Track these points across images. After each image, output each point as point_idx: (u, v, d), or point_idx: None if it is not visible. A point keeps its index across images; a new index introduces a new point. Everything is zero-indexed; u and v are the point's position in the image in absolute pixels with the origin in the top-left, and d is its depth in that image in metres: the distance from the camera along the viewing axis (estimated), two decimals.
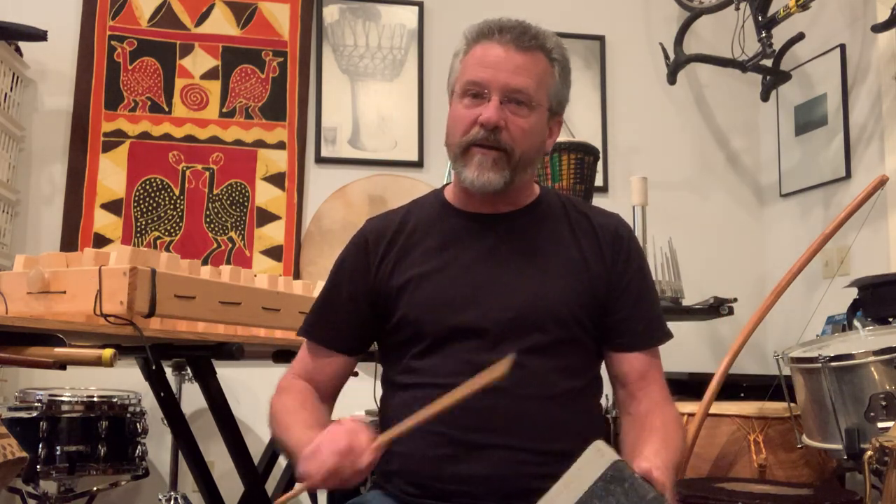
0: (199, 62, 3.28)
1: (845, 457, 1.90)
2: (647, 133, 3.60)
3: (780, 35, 3.03)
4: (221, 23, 3.32)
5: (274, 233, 3.25)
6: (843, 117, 3.13)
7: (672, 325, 1.45)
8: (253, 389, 3.05)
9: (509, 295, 1.31)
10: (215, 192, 3.23)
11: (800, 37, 3.06)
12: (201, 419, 2.80)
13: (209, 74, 3.28)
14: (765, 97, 3.29)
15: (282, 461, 2.69)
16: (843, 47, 3.16)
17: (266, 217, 3.26)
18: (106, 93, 3.19)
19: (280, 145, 3.30)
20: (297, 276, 3.19)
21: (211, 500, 2.18)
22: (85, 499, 2.57)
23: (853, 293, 2.53)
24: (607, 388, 1.42)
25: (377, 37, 3.45)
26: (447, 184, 1.48)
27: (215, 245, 3.20)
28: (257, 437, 2.99)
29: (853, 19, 3.14)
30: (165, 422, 2.17)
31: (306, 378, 1.41)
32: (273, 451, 2.62)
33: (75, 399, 2.40)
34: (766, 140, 3.67)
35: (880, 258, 2.89)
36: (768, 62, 3.13)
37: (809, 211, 3.34)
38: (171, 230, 3.18)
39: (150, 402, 2.24)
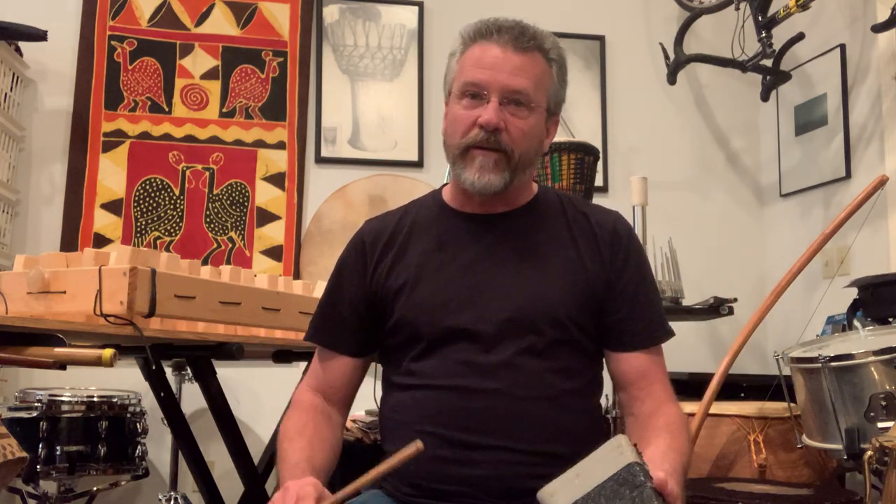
0: (199, 62, 3.28)
1: (845, 457, 1.89)
2: (647, 133, 3.60)
3: (780, 35, 3.03)
4: (221, 23, 3.32)
5: (274, 233, 3.25)
6: (843, 117, 3.13)
7: (672, 326, 1.44)
8: (253, 389, 3.05)
9: (505, 296, 1.31)
10: (215, 192, 3.23)
11: (800, 37, 3.06)
12: (201, 419, 2.80)
13: (209, 74, 3.28)
14: (765, 97, 3.29)
15: None
16: (843, 47, 3.16)
17: (266, 217, 3.26)
18: (106, 93, 3.19)
19: (280, 145, 3.30)
20: (297, 276, 3.19)
21: (211, 500, 2.18)
22: (85, 499, 2.57)
23: (853, 293, 2.53)
24: (607, 389, 1.42)
25: (377, 37, 3.45)
26: (445, 184, 1.47)
27: (215, 245, 3.20)
28: (257, 437, 3.00)
29: (853, 19, 3.14)
30: (165, 422, 2.17)
31: (318, 386, 1.41)
32: (273, 451, 2.62)
33: (75, 399, 2.40)
34: (766, 140, 3.67)
35: (880, 258, 2.89)
36: (768, 62, 3.13)
37: (809, 211, 3.34)
38: (171, 230, 3.18)
39: (150, 402, 2.24)
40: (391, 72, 3.45)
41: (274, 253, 3.24)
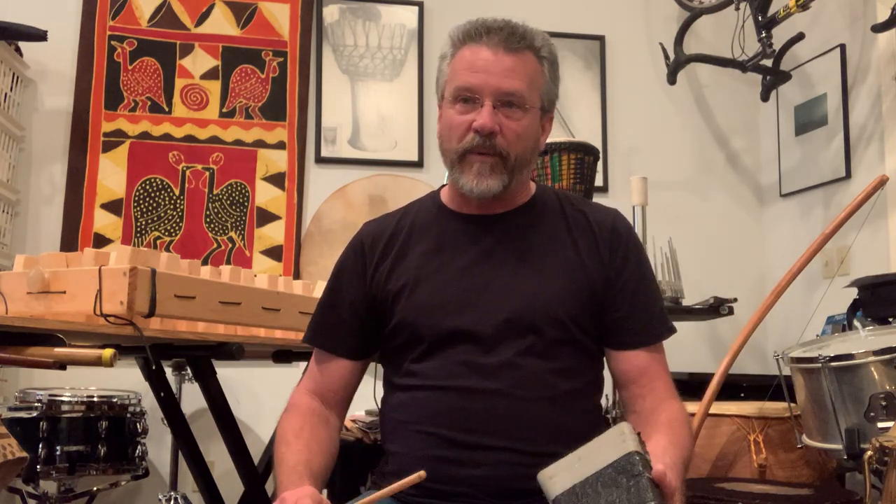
0: (199, 62, 3.28)
1: (845, 457, 1.89)
2: (647, 133, 3.60)
3: (780, 35, 3.03)
4: (221, 23, 3.32)
5: (274, 233, 3.25)
6: (843, 117, 3.13)
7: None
8: (253, 389, 3.05)
9: (505, 297, 1.31)
10: (215, 192, 3.23)
11: (800, 37, 3.06)
12: (201, 419, 2.80)
13: (209, 74, 3.28)
14: (765, 97, 3.29)
15: None
16: (843, 47, 3.16)
17: (266, 217, 3.26)
18: (106, 93, 3.19)
19: (280, 145, 3.30)
20: (297, 276, 3.19)
21: (211, 500, 2.18)
22: (85, 499, 2.57)
23: (853, 293, 2.53)
24: (607, 388, 1.42)
25: (377, 37, 3.45)
26: (444, 185, 1.47)
27: (215, 245, 3.20)
28: (257, 437, 3.00)
29: (853, 19, 3.14)
30: (165, 422, 2.17)
31: (315, 388, 1.40)
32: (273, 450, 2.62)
33: (75, 399, 2.40)
34: (766, 140, 3.67)
35: (880, 258, 2.89)
36: (768, 62, 3.13)
37: (809, 211, 3.34)
38: (171, 230, 3.18)
39: (150, 402, 2.24)
40: (391, 72, 3.45)
41: (274, 253, 3.24)
